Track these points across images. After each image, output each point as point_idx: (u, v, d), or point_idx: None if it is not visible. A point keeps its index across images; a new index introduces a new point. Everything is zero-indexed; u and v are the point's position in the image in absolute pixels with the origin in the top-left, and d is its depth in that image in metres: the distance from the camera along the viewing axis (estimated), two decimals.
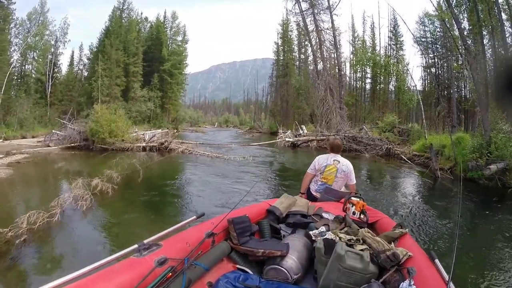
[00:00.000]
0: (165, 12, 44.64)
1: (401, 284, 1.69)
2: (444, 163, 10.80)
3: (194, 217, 2.45)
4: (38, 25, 32.25)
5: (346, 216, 2.77)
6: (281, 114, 40.12)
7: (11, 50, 29.66)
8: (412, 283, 1.65)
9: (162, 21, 43.72)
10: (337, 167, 3.89)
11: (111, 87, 33.97)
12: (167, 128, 37.74)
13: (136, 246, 1.74)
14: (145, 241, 1.79)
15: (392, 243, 2.27)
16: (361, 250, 1.99)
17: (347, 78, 36.61)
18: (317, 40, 22.59)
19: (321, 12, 22.77)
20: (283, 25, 40.97)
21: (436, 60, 28.81)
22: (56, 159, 13.25)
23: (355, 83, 36.61)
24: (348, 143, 16.28)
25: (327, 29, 22.78)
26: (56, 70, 34.44)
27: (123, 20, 38.60)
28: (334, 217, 2.83)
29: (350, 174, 3.91)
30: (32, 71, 32.74)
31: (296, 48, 41.74)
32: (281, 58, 42.21)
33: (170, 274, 1.62)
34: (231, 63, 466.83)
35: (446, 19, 16.08)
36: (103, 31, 37.45)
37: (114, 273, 1.52)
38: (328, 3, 23.06)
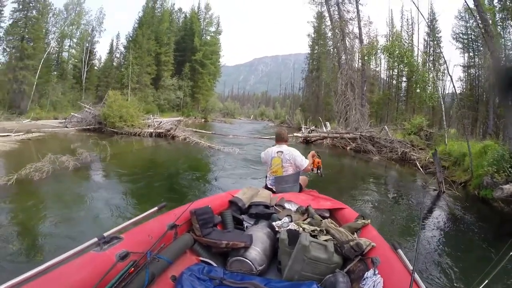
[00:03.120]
0: (198, 3, 44.89)
1: (366, 273, 1.71)
2: (460, 175, 9.04)
3: (156, 208, 2.35)
4: (74, 15, 33.70)
5: (309, 207, 2.74)
6: (312, 109, 38.81)
7: (49, 38, 31.46)
8: (377, 272, 1.66)
9: (196, 12, 43.93)
10: (281, 158, 3.91)
11: (141, 75, 34.83)
12: (195, 117, 38.43)
13: (95, 239, 1.67)
14: (105, 234, 1.74)
15: (355, 233, 2.26)
16: (325, 240, 2.00)
17: (382, 75, 34.70)
18: (340, 31, 21.17)
19: (346, 1, 21.28)
20: (317, 17, 39.45)
21: (476, 59, 25.67)
22: (64, 138, 14.07)
23: (389, 80, 34.49)
24: (363, 143, 15.03)
25: (350, 19, 21.22)
26: (92, 57, 35.82)
27: (156, 11, 39.20)
28: (297, 208, 2.83)
29: (295, 159, 3.89)
30: (71, 58, 34.55)
31: (330, 43, 40.07)
32: (315, 52, 40.68)
33: (133, 269, 1.54)
34: (273, 56, 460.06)
35: (488, 15, 13.88)
36: (136, 21, 38.22)
37: (73, 269, 1.44)
38: None
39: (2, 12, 27.20)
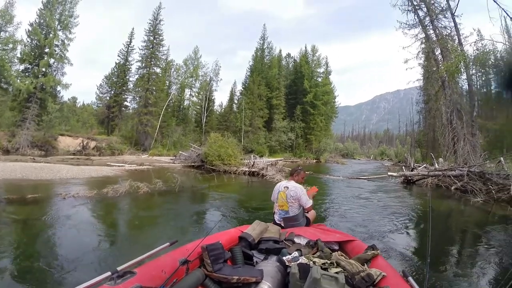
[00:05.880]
0: (305, 47, 46.41)
1: None
2: None
3: (168, 244, 2.45)
4: (193, 68, 40.43)
5: (318, 240, 2.82)
6: (429, 144, 34.97)
7: (172, 89, 39.33)
8: None
9: (304, 55, 45.93)
10: (286, 193, 4.00)
11: (253, 118, 37.74)
12: (306, 158, 38.89)
13: (109, 273, 1.72)
14: (118, 268, 1.80)
15: (365, 264, 2.31)
16: (336, 272, 2.01)
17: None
18: (439, 51, 18.41)
19: (439, 15, 18.43)
20: (424, 42, 35.78)
21: None
22: (163, 172, 15.48)
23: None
24: (471, 181, 11.69)
25: (447, 36, 18.03)
26: (210, 104, 41.05)
27: (265, 59, 43.07)
28: (306, 242, 2.91)
29: (299, 198, 3.96)
30: (191, 105, 41.51)
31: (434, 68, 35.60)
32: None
33: None
34: (394, 92, 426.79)
35: None
36: (247, 69, 42.85)
37: None
38: (448, 3, 18.33)
39: (130, 69, 37.38)
